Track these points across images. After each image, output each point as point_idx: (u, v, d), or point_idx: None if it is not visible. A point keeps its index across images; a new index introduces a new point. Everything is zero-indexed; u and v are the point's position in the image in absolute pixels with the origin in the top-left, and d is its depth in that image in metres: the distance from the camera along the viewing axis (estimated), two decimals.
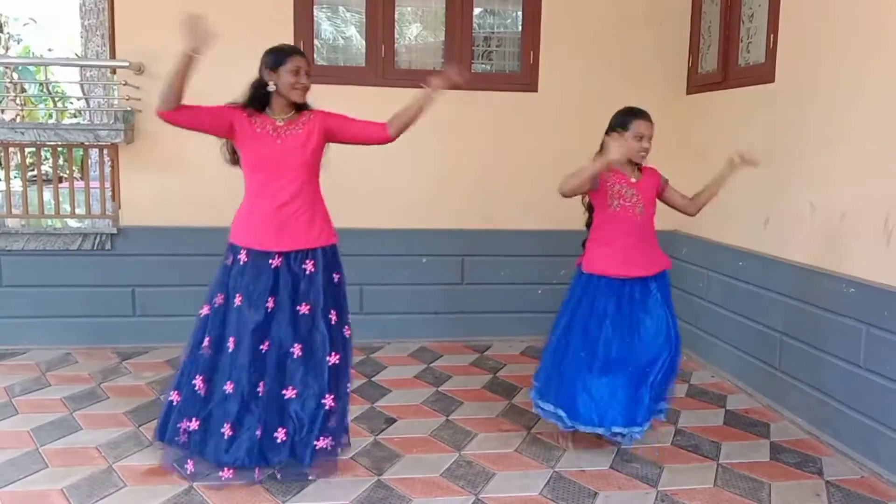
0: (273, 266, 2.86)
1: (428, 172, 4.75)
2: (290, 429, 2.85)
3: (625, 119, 3.09)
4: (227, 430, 2.81)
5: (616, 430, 3.07)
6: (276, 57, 2.87)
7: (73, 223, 4.56)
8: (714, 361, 4.42)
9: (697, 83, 4.70)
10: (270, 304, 2.85)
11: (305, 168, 2.89)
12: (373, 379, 4.11)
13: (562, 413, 3.14)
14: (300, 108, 2.95)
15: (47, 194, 4.73)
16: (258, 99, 2.89)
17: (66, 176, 5.49)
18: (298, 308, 2.87)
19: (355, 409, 3.51)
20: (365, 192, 4.58)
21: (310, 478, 2.89)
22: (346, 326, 3.01)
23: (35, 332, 4.47)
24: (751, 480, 3.02)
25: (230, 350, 2.84)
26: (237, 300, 2.86)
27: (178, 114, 2.73)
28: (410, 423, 3.50)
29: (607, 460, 3.16)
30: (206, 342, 2.88)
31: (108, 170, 4.54)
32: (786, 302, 3.70)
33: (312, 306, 2.88)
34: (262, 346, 2.85)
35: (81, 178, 4.72)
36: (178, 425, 2.86)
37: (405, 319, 4.81)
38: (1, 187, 4.72)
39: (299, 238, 2.88)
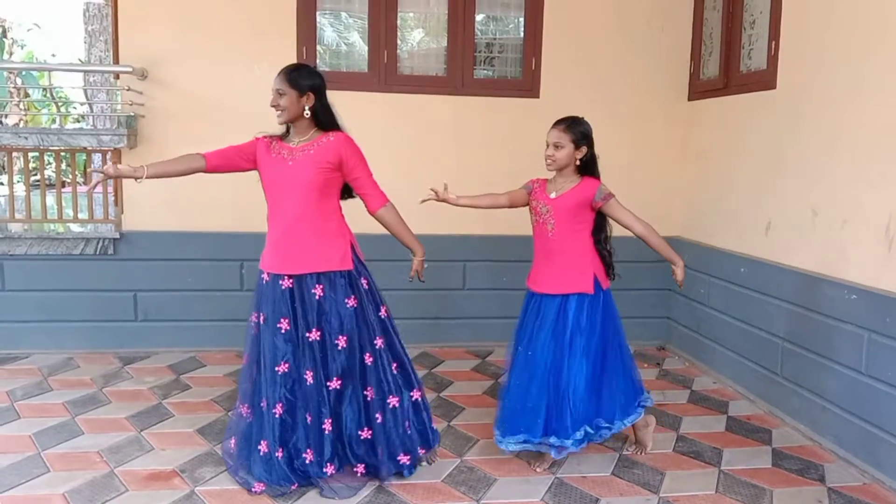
0: (284, 287, 2.82)
1: (429, 178, 4.72)
2: (320, 451, 2.84)
3: None
4: (262, 447, 2.84)
5: (542, 440, 2.99)
6: None
7: (75, 228, 4.56)
8: (716, 367, 4.41)
9: (699, 89, 4.71)
10: (284, 326, 2.82)
11: (313, 188, 2.78)
12: None
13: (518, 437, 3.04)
14: (323, 128, 2.84)
15: (50, 199, 4.73)
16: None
17: (68, 181, 5.51)
18: (308, 335, 2.82)
19: None
20: None
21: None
22: (368, 354, 2.88)
23: (37, 337, 4.48)
24: (752, 487, 3.01)
25: (261, 368, 2.88)
26: (261, 319, 2.88)
27: (210, 164, 2.86)
28: None
29: (609, 466, 3.16)
30: (245, 360, 2.98)
31: None
32: (787, 308, 3.70)
33: (323, 333, 2.82)
34: (278, 368, 2.82)
35: (84, 183, 4.72)
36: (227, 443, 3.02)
37: (407, 325, 4.74)
38: (4, 192, 4.74)
39: (306, 261, 2.81)
